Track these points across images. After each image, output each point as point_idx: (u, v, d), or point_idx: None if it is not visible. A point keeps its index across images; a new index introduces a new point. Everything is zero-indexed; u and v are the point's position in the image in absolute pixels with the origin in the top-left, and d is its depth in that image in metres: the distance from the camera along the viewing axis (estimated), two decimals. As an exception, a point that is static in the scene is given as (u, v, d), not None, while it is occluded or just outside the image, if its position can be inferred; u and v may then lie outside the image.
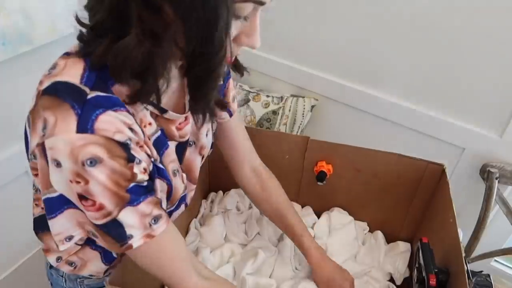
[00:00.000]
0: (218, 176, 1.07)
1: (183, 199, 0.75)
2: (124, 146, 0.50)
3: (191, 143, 0.71)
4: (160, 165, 0.60)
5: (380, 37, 1.30)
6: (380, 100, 1.40)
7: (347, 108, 1.49)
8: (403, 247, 0.96)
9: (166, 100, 0.60)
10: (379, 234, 1.00)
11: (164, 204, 0.65)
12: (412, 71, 1.30)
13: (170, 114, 0.60)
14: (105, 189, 0.49)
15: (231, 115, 0.78)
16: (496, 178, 1.24)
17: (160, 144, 0.61)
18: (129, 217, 0.52)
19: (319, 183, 0.94)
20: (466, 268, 0.65)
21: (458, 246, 0.70)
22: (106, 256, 0.70)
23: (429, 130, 1.36)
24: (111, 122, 0.49)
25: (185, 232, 0.98)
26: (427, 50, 1.24)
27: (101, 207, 0.50)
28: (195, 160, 0.73)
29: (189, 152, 0.71)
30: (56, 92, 0.48)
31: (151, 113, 0.58)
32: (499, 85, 1.18)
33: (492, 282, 0.85)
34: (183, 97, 0.64)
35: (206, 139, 0.74)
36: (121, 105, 0.51)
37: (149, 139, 0.58)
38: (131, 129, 0.51)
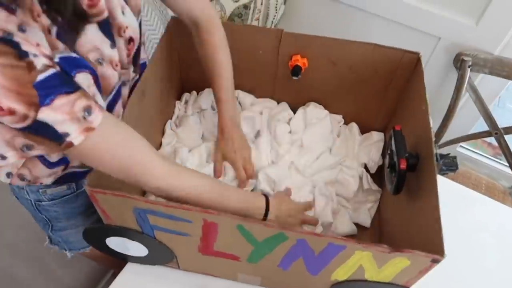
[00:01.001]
0: (190, 76, 1.04)
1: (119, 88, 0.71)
2: (6, 41, 0.43)
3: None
4: (74, 54, 0.54)
5: None
6: (356, -12, 1.33)
7: (322, -1, 1.42)
8: (376, 137, 0.99)
9: None
10: (353, 125, 1.02)
11: (99, 99, 0.61)
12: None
13: None
14: (4, 89, 0.44)
15: None
16: (469, 67, 1.25)
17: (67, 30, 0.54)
18: (51, 115, 0.47)
19: (294, 77, 0.92)
20: (435, 151, 0.68)
21: (428, 131, 0.71)
22: (46, 161, 0.68)
23: (406, 19, 1.32)
24: None
25: (160, 134, 0.97)
26: None
27: (11, 112, 0.45)
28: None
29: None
30: None
31: None
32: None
33: (458, 163, 0.90)
34: None
35: (124, 18, 0.65)
36: None
37: (49, 30, 0.51)
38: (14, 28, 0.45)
